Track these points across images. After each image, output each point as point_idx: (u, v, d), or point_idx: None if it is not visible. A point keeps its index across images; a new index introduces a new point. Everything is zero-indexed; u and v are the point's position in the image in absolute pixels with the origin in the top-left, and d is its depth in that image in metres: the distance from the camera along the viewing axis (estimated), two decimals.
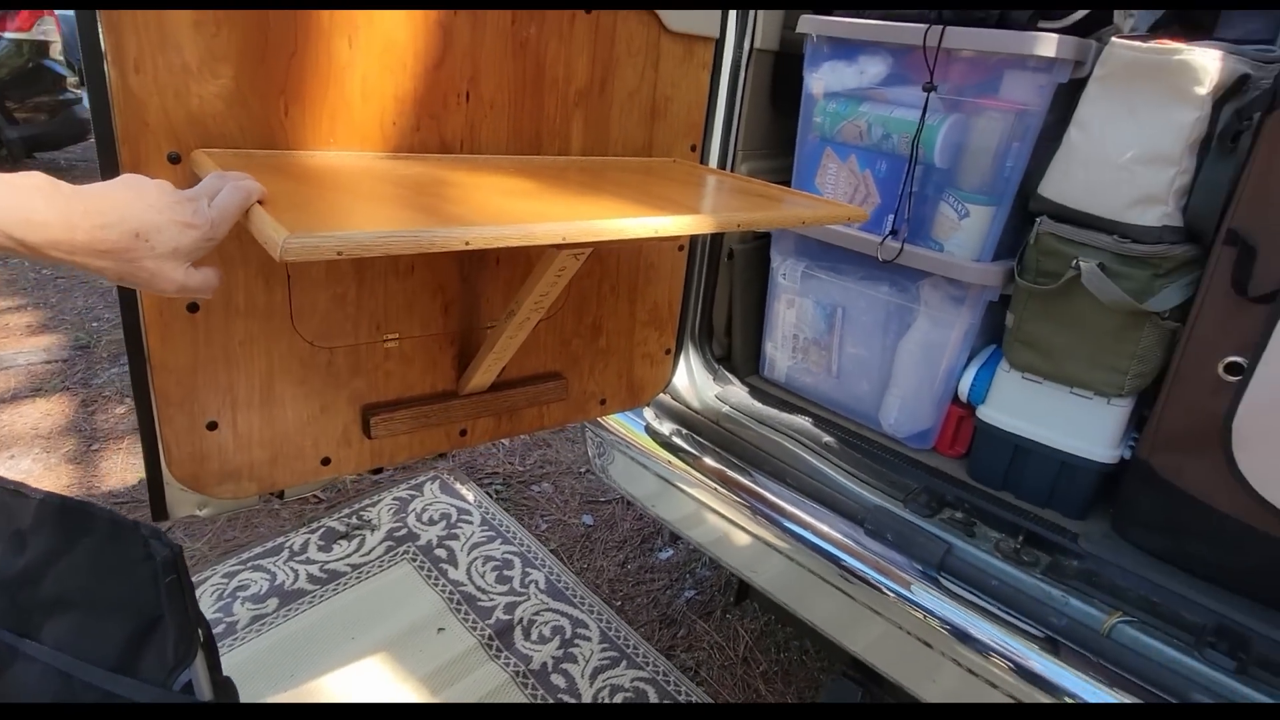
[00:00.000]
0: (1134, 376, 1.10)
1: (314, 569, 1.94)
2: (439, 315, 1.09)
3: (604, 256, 1.25)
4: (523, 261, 1.15)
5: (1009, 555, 1.16)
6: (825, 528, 1.30)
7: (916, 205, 1.29)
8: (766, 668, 1.82)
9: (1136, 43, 0.99)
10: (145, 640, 0.79)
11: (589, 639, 1.83)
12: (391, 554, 2.02)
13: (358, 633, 1.76)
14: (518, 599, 1.92)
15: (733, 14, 1.34)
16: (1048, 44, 1.06)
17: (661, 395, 1.58)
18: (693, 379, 1.59)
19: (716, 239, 1.51)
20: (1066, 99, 1.11)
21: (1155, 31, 1.20)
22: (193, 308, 0.89)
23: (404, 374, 1.09)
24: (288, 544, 2.02)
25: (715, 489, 1.44)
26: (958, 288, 1.27)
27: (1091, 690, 1.02)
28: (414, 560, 2.01)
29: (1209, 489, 1.04)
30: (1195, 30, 1.19)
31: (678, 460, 1.52)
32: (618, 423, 1.64)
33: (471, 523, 2.18)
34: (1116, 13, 1.08)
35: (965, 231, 1.23)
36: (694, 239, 1.40)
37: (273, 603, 1.82)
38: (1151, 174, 1.00)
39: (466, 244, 0.62)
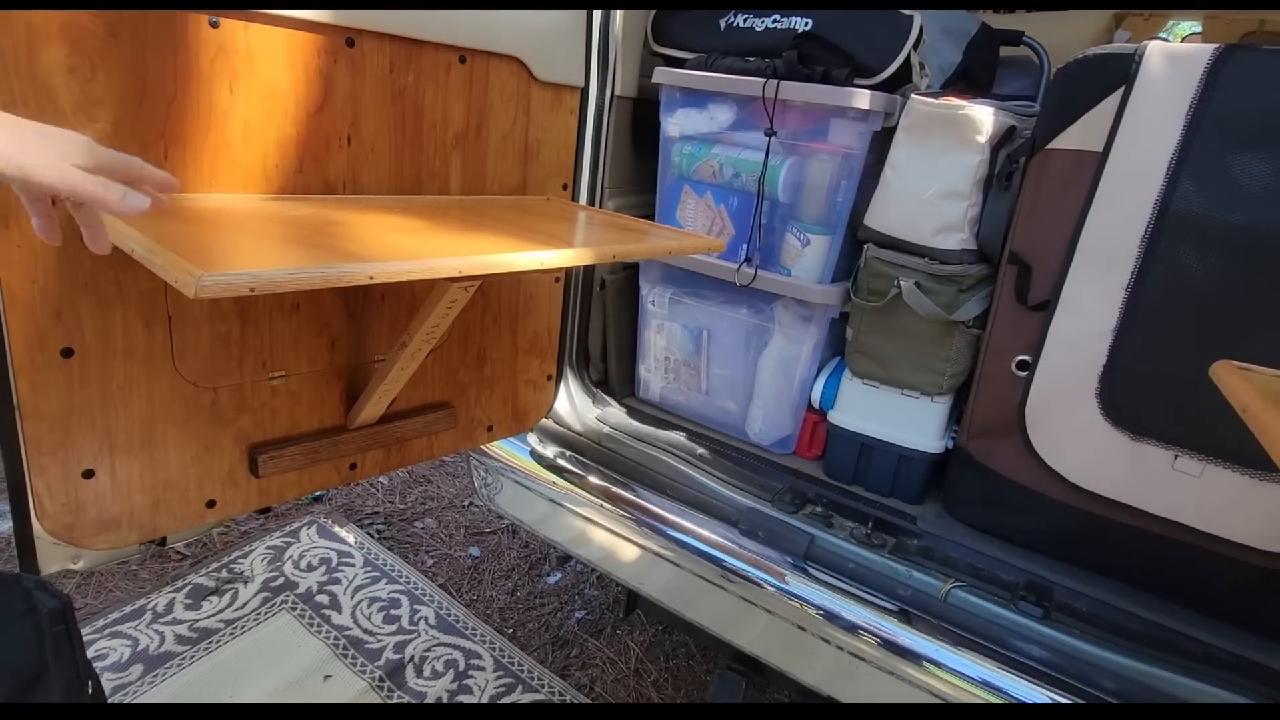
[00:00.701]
0: (949, 377, 1.30)
1: (182, 629, 1.83)
2: (325, 351, 1.11)
3: (487, 289, 1.32)
4: (407, 296, 1.19)
5: (862, 540, 1.32)
6: (704, 532, 1.41)
7: (766, 235, 1.45)
8: (657, 676, 1.91)
9: (930, 99, 1.19)
10: (26, 698, 0.77)
11: (483, 669, 1.84)
12: (268, 605, 1.94)
13: (236, 690, 1.68)
14: (408, 637, 1.90)
15: (595, 65, 1.46)
16: (862, 98, 1.25)
17: (545, 420, 1.65)
18: (573, 403, 1.67)
19: (589, 271, 1.62)
20: (882, 143, 1.31)
21: (946, 88, 1.44)
22: (66, 352, 0.88)
23: (291, 410, 1.10)
24: (150, 605, 1.89)
25: (601, 506, 1.52)
26: (805, 307, 1.44)
27: (934, 648, 1.18)
28: (294, 609, 1.94)
29: (1014, 467, 1.25)
30: (976, 88, 1.43)
31: (564, 481, 1.59)
32: (503, 450, 1.69)
33: (354, 565, 2.14)
34: (915, 72, 1.29)
35: (808, 258, 1.40)
36: (568, 271, 1.49)
37: (136, 670, 1.70)
38: (949, 207, 1.21)
39: (371, 278, 0.68)
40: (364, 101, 1.06)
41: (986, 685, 1.13)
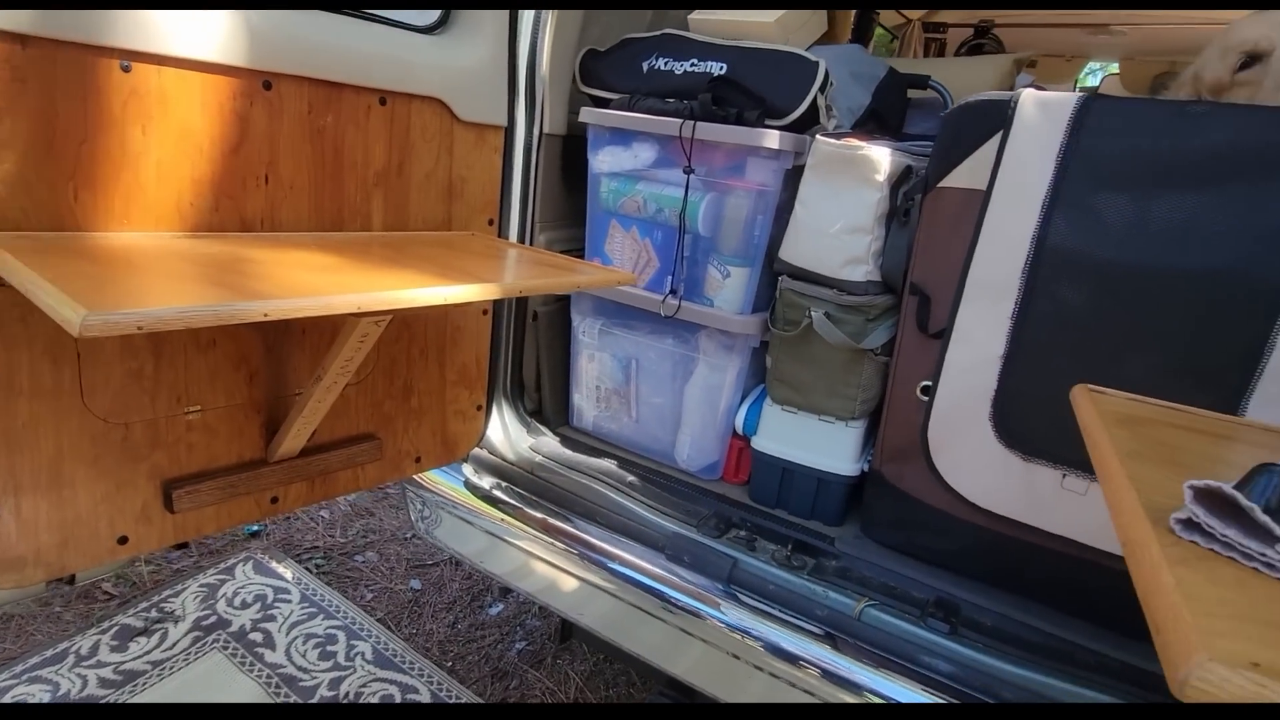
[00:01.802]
0: (861, 402, 1.35)
1: (106, 672, 1.78)
2: (244, 385, 1.13)
3: (411, 322, 1.34)
4: (329, 330, 1.21)
5: (782, 562, 1.36)
6: (635, 559, 1.44)
7: (689, 268, 1.50)
8: (597, 702, 1.91)
9: (833, 140, 1.26)
10: None
11: (420, 703, 1.82)
12: (199, 645, 1.90)
13: None
14: (343, 673, 1.88)
15: (521, 105, 1.51)
16: (772, 138, 1.32)
17: (478, 450, 1.67)
18: (507, 433, 1.69)
19: (521, 303, 1.65)
20: (795, 180, 1.37)
21: (855, 129, 1.52)
22: None
23: (208, 445, 1.10)
24: (73, 649, 1.84)
25: (537, 537, 1.53)
26: (728, 337, 1.48)
27: (847, 665, 1.21)
28: (225, 648, 1.90)
29: (921, 488, 1.30)
30: (885, 128, 1.51)
31: (499, 512, 1.60)
32: (438, 482, 1.70)
33: (290, 601, 2.11)
34: (822, 113, 1.37)
35: (729, 289, 1.46)
36: (499, 304, 1.52)
37: None
38: (854, 241, 1.27)
39: (265, 315, 0.70)
40: (282, 141, 1.09)
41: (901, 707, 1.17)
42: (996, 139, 1.12)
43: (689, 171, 1.40)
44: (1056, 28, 3.34)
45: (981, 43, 3.38)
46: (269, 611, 2.05)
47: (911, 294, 1.25)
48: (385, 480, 1.39)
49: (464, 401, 1.49)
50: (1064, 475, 1.13)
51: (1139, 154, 1.00)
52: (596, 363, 1.68)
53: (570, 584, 1.54)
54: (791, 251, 1.35)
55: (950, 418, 1.22)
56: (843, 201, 1.26)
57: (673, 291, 1.50)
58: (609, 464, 1.60)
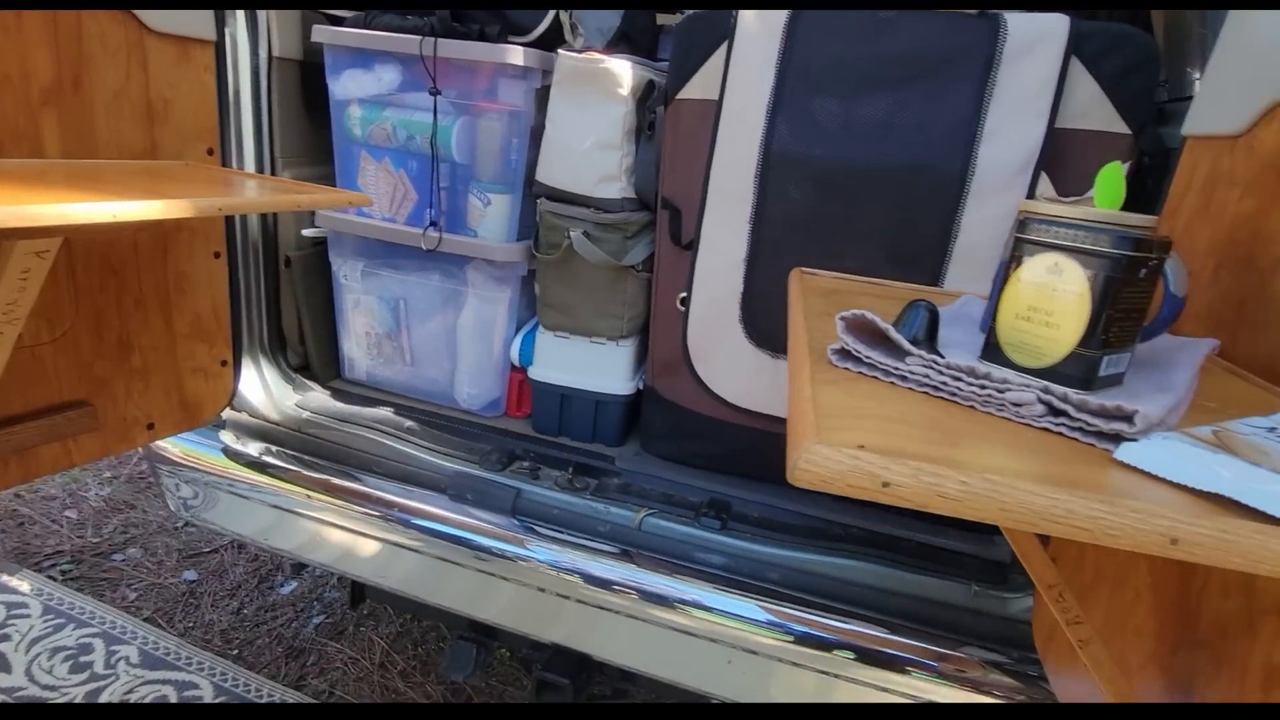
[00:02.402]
0: (629, 320, 1.37)
1: None
2: None
3: (119, 267, 1.17)
4: None
5: (564, 486, 1.36)
6: (421, 506, 1.38)
7: (450, 198, 1.43)
8: (405, 666, 1.84)
9: (575, 54, 1.24)
10: None
11: (201, 698, 1.66)
12: None
13: None
14: (103, 683, 1.66)
15: (240, 18, 1.34)
16: (517, 55, 1.27)
17: (235, 413, 1.52)
18: (269, 391, 1.55)
19: (269, 248, 1.50)
20: (546, 101, 1.34)
21: (606, 50, 1.51)
22: None
23: None
24: None
25: (322, 501, 1.42)
26: (496, 267, 1.44)
27: (631, 572, 1.25)
28: None
29: (689, 398, 1.35)
30: (638, 51, 1.52)
31: (272, 479, 1.47)
32: (195, 455, 1.52)
33: (29, 616, 1.82)
34: (567, 31, 1.34)
35: (491, 218, 1.41)
36: (233, 247, 1.37)
37: None
38: (605, 157, 1.27)
39: None
40: None
41: (681, 602, 1.22)
42: (723, 50, 1.15)
43: (435, 93, 1.33)
44: None
45: None
46: (2, 631, 1.76)
47: (663, 208, 1.28)
48: (111, 453, 1.22)
49: (203, 357, 1.34)
50: None
51: (842, 60, 1.08)
52: (363, 308, 1.58)
53: (365, 546, 1.45)
54: (547, 173, 1.33)
55: (706, 325, 1.27)
56: (590, 117, 1.26)
57: (433, 224, 1.43)
58: (385, 412, 1.52)
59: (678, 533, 1.29)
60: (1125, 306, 0.52)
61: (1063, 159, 1.02)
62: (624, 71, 1.22)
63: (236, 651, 1.83)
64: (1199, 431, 0.44)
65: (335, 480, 1.43)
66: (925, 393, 0.51)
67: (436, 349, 1.55)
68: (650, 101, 1.26)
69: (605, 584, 1.27)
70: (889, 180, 1.08)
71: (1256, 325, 0.68)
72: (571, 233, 1.30)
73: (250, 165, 1.43)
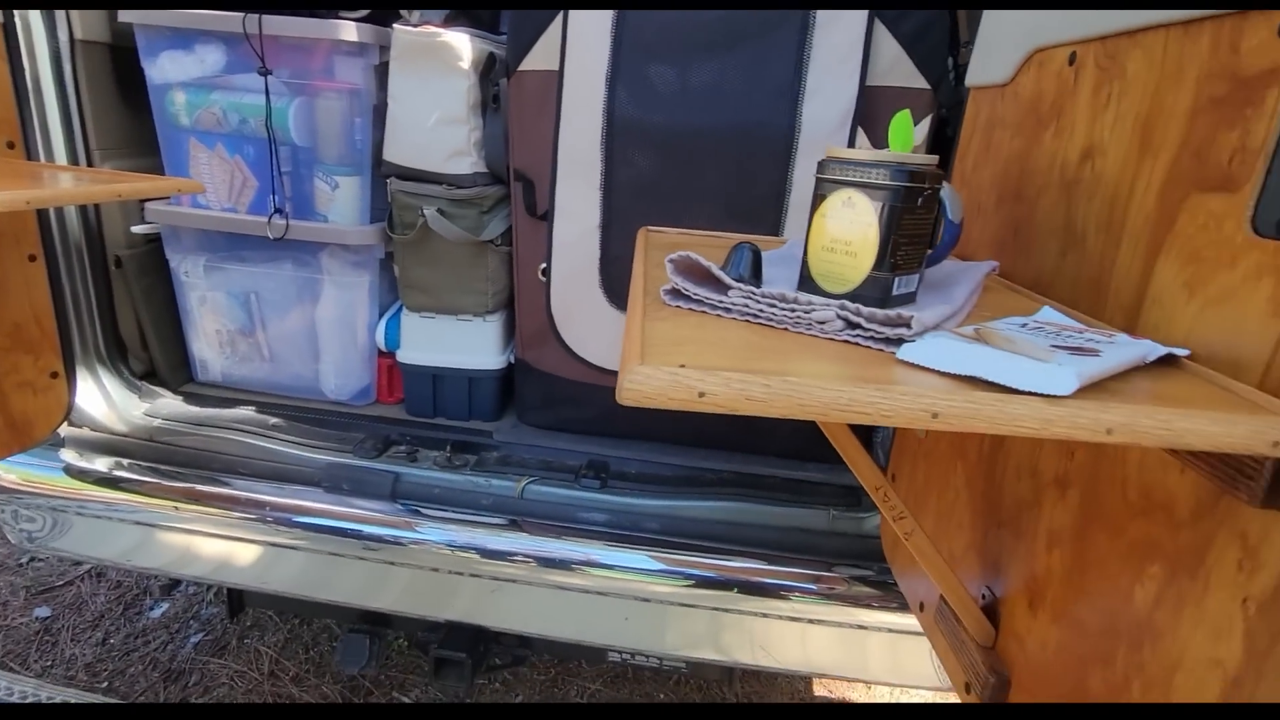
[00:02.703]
0: (493, 295, 1.39)
1: None
2: None
3: None
4: None
5: (444, 465, 1.37)
6: (295, 501, 1.34)
7: (294, 183, 1.38)
8: (297, 671, 1.79)
9: (410, 28, 1.23)
10: None
11: None
12: None
13: None
14: None
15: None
16: (349, 30, 1.24)
17: (74, 429, 1.41)
18: (112, 402, 1.45)
19: (94, 245, 1.39)
20: (386, 77, 1.32)
21: (445, 24, 1.49)
22: None
23: None
24: None
25: (180, 509, 1.34)
26: (351, 252, 1.41)
27: (519, 540, 1.27)
28: None
29: (559, 366, 1.38)
30: (480, 24, 1.51)
31: (125, 494, 1.38)
32: (33, 479, 1.40)
33: None
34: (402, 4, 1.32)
35: (340, 201, 1.38)
36: (51, 248, 1.27)
37: None
38: (453, 132, 1.27)
39: None
40: None
41: (571, 562, 1.26)
42: (559, 21, 1.17)
43: (265, 73, 1.27)
44: None
45: None
46: None
47: (516, 180, 1.29)
48: None
49: (28, 370, 1.24)
50: None
51: (672, 27, 1.13)
52: (210, 305, 1.50)
53: (242, 551, 1.39)
54: (395, 151, 1.31)
55: (568, 293, 1.30)
56: (433, 92, 1.25)
57: (278, 211, 1.37)
58: (247, 411, 1.46)
59: (559, 496, 1.32)
60: (909, 233, 0.60)
61: (874, 113, 1.12)
62: (463, 45, 1.22)
63: (106, 684, 1.71)
64: (964, 330, 0.52)
65: (201, 487, 1.36)
66: (746, 321, 0.57)
67: (296, 341, 1.50)
68: (493, 74, 1.26)
69: (495, 555, 1.29)
70: (726, 141, 1.15)
71: (1027, 247, 0.79)
72: (426, 211, 1.29)
73: (61, 159, 1.32)
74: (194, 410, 1.45)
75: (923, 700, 1.79)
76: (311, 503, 1.34)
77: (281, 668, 1.79)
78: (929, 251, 0.65)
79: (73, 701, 1.62)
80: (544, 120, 1.22)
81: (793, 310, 0.55)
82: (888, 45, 1.10)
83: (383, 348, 1.47)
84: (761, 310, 0.56)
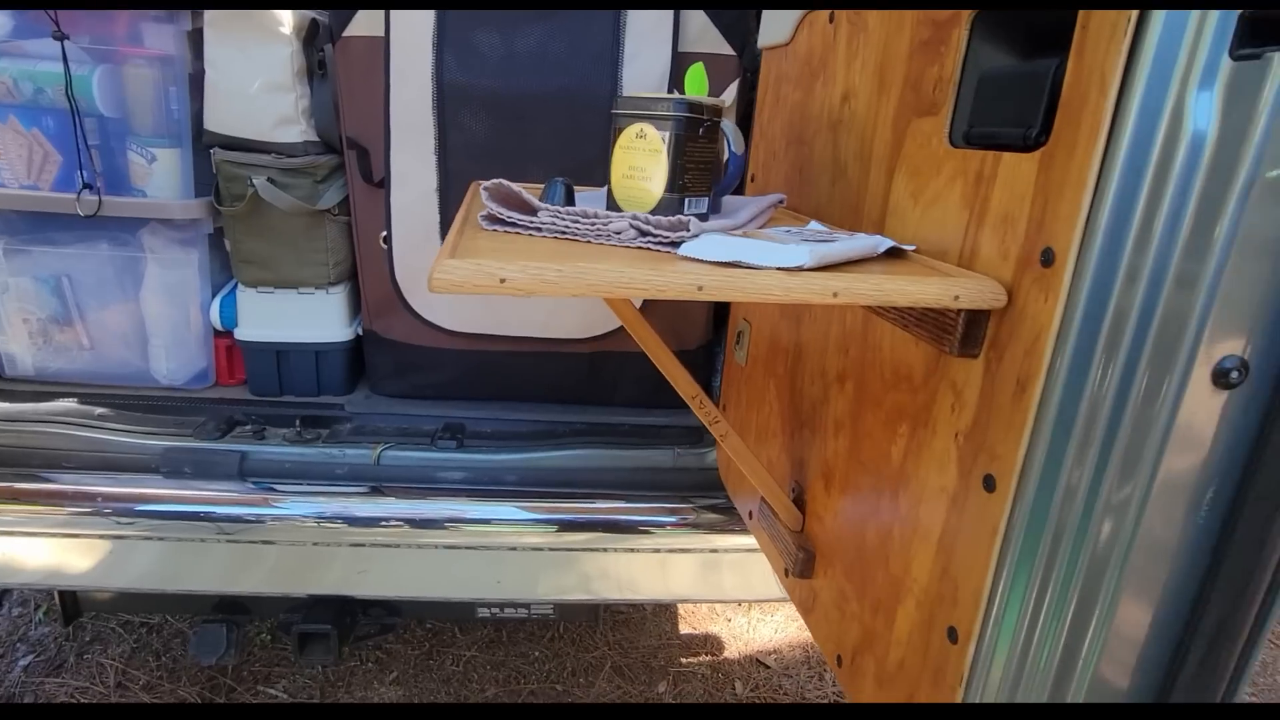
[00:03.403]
0: (334, 266, 1.38)
1: None
2: None
3: None
4: None
5: (294, 440, 1.35)
6: (133, 490, 1.28)
7: (105, 157, 1.31)
8: (148, 679, 1.70)
9: None
10: None
11: None
12: None
13: None
14: None
15: None
16: None
17: None
18: None
19: None
20: (202, 44, 1.28)
21: None
22: None
23: None
24: None
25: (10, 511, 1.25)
26: (176, 228, 1.36)
27: (380, 505, 1.28)
28: None
29: (408, 333, 1.40)
30: None
31: None
32: None
33: None
34: None
35: (159, 174, 1.32)
36: None
37: None
38: (278, 100, 1.25)
39: None
40: None
41: (434, 521, 1.28)
42: None
43: (61, 38, 1.20)
44: None
45: None
46: None
47: (350, 147, 1.30)
48: None
49: None
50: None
51: None
52: (15, 292, 1.39)
53: (78, 550, 1.30)
54: (217, 120, 1.27)
55: (411, 259, 1.32)
56: (253, 58, 1.23)
57: (88, 187, 1.30)
58: (68, 403, 1.37)
59: (416, 459, 1.35)
60: (695, 159, 0.69)
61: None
62: (282, 13, 1.21)
63: None
64: (735, 232, 0.62)
65: (20, 485, 1.27)
66: (555, 238, 0.64)
67: (121, 327, 1.42)
68: (317, 40, 1.26)
69: (358, 522, 1.29)
70: (553, 104, 1.21)
71: (809, 182, 0.91)
72: (255, 181, 1.27)
73: None
74: (3, 406, 1.35)
75: (772, 602, 1.96)
76: (151, 490, 1.29)
77: (130, 678, 1.69)
78: (719, 181, 0.75)
79: None
80: (373, 86, 1.24)
81: (593, 224, 0.62)
82: (696, 16, 1.21)
83: (219, 327, 1.42)
84: (567, 227, 0.63)
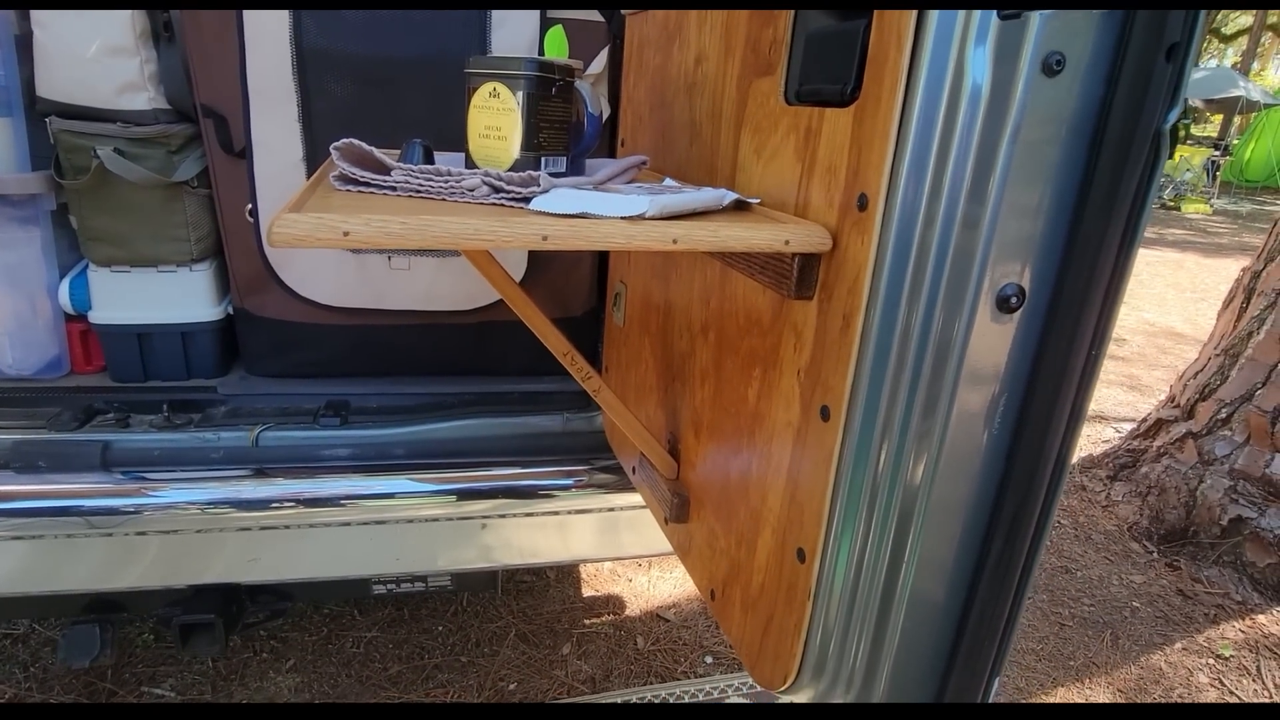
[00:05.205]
0: (197, 242, 1.32)
1: None
2: None
3: None
4: None
5: (162, 426, 1.29)
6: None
7: None
8: (14, 694, 1.59)
9: None
10: None
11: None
12: None
13: None
14: None
15: None
16: None
17: None
18: None
19: None
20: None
21: None
22: None
23: None
24: None
25: None
26: (12, 205, 1.25)
27: (261, 488, 1.25)
28: None
29: (284, 310, 1.36)
30: None
31: None
32: None
33: None
34: None
35: None
36: None
37: None
38: (121, 64, 1.18)
39: None
40: None
41: (318, 500, 1.26)
42: None
43: None
44: None
45: None
46: None
47: (206, 116, 1.23)
48: None
49: None
50: (389, 257, 1.31)
51: None
52: None
53: None
54: (50, 86, 1.18)
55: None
56: (88, 19, 1.14)
57: None
58: None
59: (297, 439, 1.31)
60: (550, 118, 0.70)
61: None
62: None
63: None
64: (585, 186, 0.64)
65: None
66: (410, 196, 0.64)
67: None
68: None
69: (244, 505, 1.26)
70: (422, 69, 1.20)
71: (671, 144, 0.94)
72: (100, 151, 1.19)
73: None
74: None
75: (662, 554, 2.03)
76: (5, 487, 1.21)
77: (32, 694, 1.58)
78: (579, 143, 0.77)
79: None
80: (227, 51, 1.18)
81: (446, 181, 0.63)
82: None
83: (70, 310, 1.33)
84: (421, 185, 0.64)
